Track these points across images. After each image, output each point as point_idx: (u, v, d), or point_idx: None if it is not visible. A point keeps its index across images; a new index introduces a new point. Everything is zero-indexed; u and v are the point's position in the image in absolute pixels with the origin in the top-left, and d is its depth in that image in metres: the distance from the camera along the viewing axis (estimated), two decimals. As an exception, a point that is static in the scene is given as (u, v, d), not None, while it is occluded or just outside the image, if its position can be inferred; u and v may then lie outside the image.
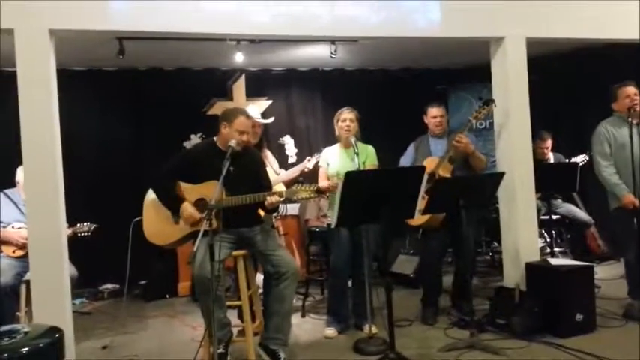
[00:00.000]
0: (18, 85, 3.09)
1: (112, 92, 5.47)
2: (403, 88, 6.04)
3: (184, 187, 3.12)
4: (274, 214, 3.70)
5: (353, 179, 2.77)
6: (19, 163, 3.80)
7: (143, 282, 5.10)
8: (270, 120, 4.77)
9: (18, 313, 3.63)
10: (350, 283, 3.80)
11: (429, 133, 3.98)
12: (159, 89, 5.51)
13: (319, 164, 3.86)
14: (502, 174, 3.52)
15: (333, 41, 4.32)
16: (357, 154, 3.48)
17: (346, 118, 3.72)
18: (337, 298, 3.78)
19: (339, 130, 3.75)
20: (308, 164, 3.96)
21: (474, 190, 3.39)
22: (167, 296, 5.09)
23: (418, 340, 3.47)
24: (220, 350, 2.96)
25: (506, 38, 3.96)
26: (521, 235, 3.90)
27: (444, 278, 4.04)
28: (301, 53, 5.25)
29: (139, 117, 5.59)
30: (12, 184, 3.98)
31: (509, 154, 3.97)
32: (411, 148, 4.00)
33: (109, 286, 5.23)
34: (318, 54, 5.16)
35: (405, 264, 5.01)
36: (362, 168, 3.51)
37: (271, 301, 3.11)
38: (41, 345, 2.12)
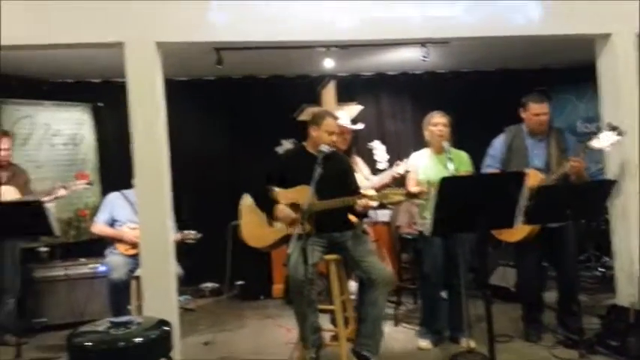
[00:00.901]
0: (128, 95, 3.36)
1: (209, 101, 5.79)
2: (499, 91, 5.78)
3: (278, 191, 3.23)
4: (365, 219, 3.70)
5: (448, 185, 2.71)
6: (131, 165, 4.15)
7: (240, 282, 5.31)
8: (360, 126, 4.78)
9: (129, 307, 3.94)
10: (444, 293, 3.70)
11: (524, 128, 3.63)
12: (252, 96, 5.74)
13: (408, 169, 3.78)
14: (613, 182, 3.25)
15: (423, 43, 4.25)
16: (451, 160, 3.37)
17: (438, 122, 3.60)
18: (431, 308, 3.68)
19: (430, 134, 3.64)
20: (398, 169, 3.90)
21: (582, 199, 3.12)
22: (262, 297, 5.27)
23: (521, 358, 3.31)
24: (312, 355, 3.01)
25: (614, 35, 3.66)
26: (637, 249, 3.57)
27: (548, 294, 3.81)
28: (391, 57, 5.22)
29: (233, 124, 5.85)
30: (130, 185, 4.33)
31: (620, 159, 3.66)
32: (500, 141, 3.68)
33: (210, 285, 5.51)
34: (407, 57, 5.10)
35: (505, 276, 4.75)
36: (455, 174, 3.40)
37: (363, 307, 3.12)
38: (152, 336, 2.28)
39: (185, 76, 5.64)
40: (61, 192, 4.14)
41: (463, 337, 3.42)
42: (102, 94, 5.58)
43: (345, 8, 3.47)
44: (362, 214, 3.23)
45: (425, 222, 3.53)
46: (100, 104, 5.55)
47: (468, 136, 3.92)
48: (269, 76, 5.86)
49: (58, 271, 4.61)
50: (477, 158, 3.76)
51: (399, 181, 3.88)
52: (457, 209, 2.74)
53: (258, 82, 5.87)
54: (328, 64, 5.04)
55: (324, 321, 3.37)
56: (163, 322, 2.41)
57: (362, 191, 3.23)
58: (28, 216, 3.66)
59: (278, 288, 5.25)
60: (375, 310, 3.06)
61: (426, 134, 3.68)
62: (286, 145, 5.69)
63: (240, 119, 5.82)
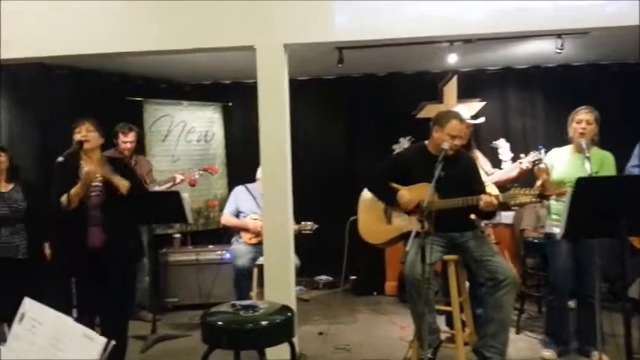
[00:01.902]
0: (258, 95, 3.56)
1: (329, 99, 5.93)
2: (644, 85, 5.20)
3: (396, 188, 3.21)
4: (487, 221, 3.54)
5: (585, 186, 2.49)
6: (254, 160, 4.39)
7: (353, 277, 5.38)
8: (481, 120, 4.58)
9: (251, 293, 4.19)
10: (572, 302, 3.43)
11: None
12: (371, 94, 5.78)
13: (541, 165, 3.52)
14: None
15: (559, 35, 3.95)
16: (589, 159, 3.10)
17: (582, 119, 3.32)
18: (557, 317, 3.44)
19: (573, 131, 3.38)
20: (525, 162, 3.64)
21: None
22: (374, 293, 5.29)
23: (660, 378, 2.97)
24: (429, 355, 2.96)
25: None
26: None
27: None
28: (520, 50, 4.92)
29: (352, 121, 5.94)
30: (253, 179, 4.61)
31: None
32: None
33: (324, 277, 5.66)
34: (539, 50, 4.77)
35: (643, 288, 4.28)
36: (593, 175, 3.12)
37: (489, 309, 2.98)
38: (277, 321, 2.38)
39: (305, 75, 5.83)
40: (180, 178, 4.59)
41: (595, 350, 3.14)
42: (231, 94, 5.99)
43: (472, 1, 3.33)
44: (487, 215, 3.09)
45: (555, 224, 3.29)
46: (230, 104, 5.94)
47: (609, 135, 3.57)
48: (388, 74, 5.84)
49: (189, 255, 5.03)
50: (618, 159, 3.42)
51: (524, 181, 3.66)
52: (594, 212, 2.51)
53: (377, 79, 5.88)
54: (451, 59, 4.89)
55: (439, 322, 3.29)
56: (287, 308, 2.51)
57: (487, 191, 3.09)
58: (166, 204, 4.07)
59: (391, 285, 5.23)
60: (502, 313, 2.92)
61: (569, 131, 3.41)
62: (404, 143, 5.64)
63: (359, 117, 5.88)
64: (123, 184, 3.09)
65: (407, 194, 3.07)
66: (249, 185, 4.62)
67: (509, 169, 3.82)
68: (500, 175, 3.83)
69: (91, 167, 3.04)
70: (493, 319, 2.95)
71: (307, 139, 5.68)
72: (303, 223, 4.32)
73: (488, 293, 2.99)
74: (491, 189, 3.51)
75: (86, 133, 3.08)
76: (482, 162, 3.92)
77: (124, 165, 3.38)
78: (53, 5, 3.55)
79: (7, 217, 3.56)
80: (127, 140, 4.50)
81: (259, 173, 4.50)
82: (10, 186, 3.64)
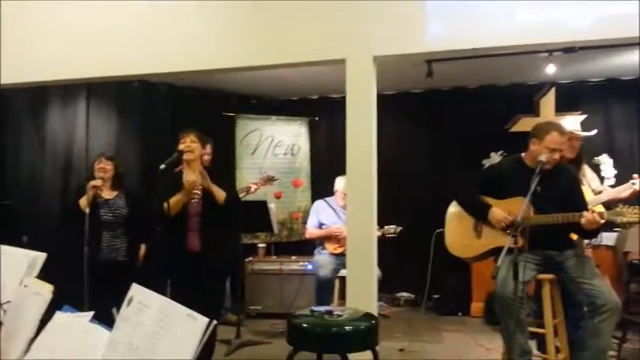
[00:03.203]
0: (347, 106, 3.58)
1: (416, 113, 5.87)
2: None
3: (489, 201, 3.08)
4: (591, 240, 3.30)
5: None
6: (337, 173, 4.43)
7: (437, 296, 5.22)
8: (593, 132, 4.29)
9: (332, 304, 4.19)
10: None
11: None
12: (461, 108, 5.64)
13: None
14: None
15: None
16: None
17: None
18: (667, 349, 3.13)
19: None
20: (639, 183, 3.36)
21: None
22: (459, 314, 5.10)
23: None
24: (520, 378, 2.78)
25: None
26: None
27: None
28: (626, 60, 4.59)
29: (440, 135, 5.82)
30: (331, 192, 4.66)
31: None
32: None
33: (405, 294, 5.55)
34: (648, 59, 4.43)
35: None
36: None
37: (585, 335, 2.77)
38: (362, 327, 2.38)
39: (392, 90, 5.81)
40: (254, 187, 4.70)
41: None
42: (318, 109, 6.11)
43: (575, 7, 3.14)
44: (590, 233, 2.87)
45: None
46: (316, 118, 6.06)
47: None
48: (479, 86, 5.69)
49: (273, 265, 5.14)
50: None
51: (632, 201, 3.37)
52: None
53: (467, 92, 5.75)
54: (550, 70, 4.65)
55: (531, 346, 3.09)
56: (370, 316, 2.49)
57: (590, 207, 2.88)
58: (254, 213, 4.21)
59: (477, 306, 5.01)
60: (600, 341, 2.70)
61: None
62: (495, 157, 5.43)
63: (447, 130, 5.76)
64: (220, 194, 3.23)
65: (500, 212, 2.94)
66: (328, 199, 4.68)
67: (622, 190, 3.51)
68: (609, 194, 3.52)
69: (192, 176, 3.20)
70: (589, 347, 2.73)
71: (392, 152, 5.65)
72: (386, 227, 4.30)
73: (586, 318, 2.77)
74: (597, 207, 3.26)
75: (190, 144, 3.25)
76: (590, 178, 3.66)
77: (216, 175, 3.51)
78: (151, 25, 3.80)
79: (111, 222, 3.84)
80: (205, 152, 4.72)
81: (337, 185, 4.54)
82: (115, 193, 3.92)
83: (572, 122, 3.78)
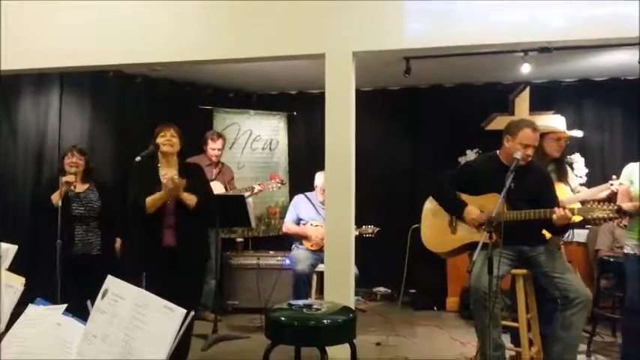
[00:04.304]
0: (326, 102, 3.58)
1: (394, 110, 5.90)
2: None
3: (463, 197, 3.13)
4: (562, 237, 3.37)
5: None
6: (315, 169, 4.43)
7: (413, 291, 5.28)
8: (580, 134, 4.36)
9: (309, 299, 4.19)
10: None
11: None
12: (438, 105, 5.70)
13: (620, 182, 3.34)
14: None
15: (645, 44, 3.72)
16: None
17: None
18: (634, 343, 3.22)
19: None
20: (616, 184, 3.42)
21: None
22: (435, 308, 5.16)
23: None
24: (493, 372, 2.84)
25: None
26: None
27: None
28: (599, 61, 4.70)
29: (417, 132, 5.87)
30: (311, 187, 4.66)
31: None
32: None
33: (382, 289, 5.60)
34: (620, 61, 4.54)
35: None
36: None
37: (557, 328, 2.83)
38: (339, 320, 2.40)
39: (371, 86, 5.83)
40: (257, 188, 4.71)
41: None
42: (296, 104, 6.09)
43: (551, 7, 3.20)
44: (560, 230, 2.94)
45: (636, 243, 3.10)
46: (294, 113, 6.04)
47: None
48: (456, 85, 5.75)
49: (251, 260, 5.10)
50: None
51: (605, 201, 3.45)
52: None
53: (444, 90, 5.80)
54: (525, 69, 4.72)
55: (504, 340, 3.15)
56: (348, 309, 2.51)
57: (567, 205, 2.94)
58: (232, 208, 4.18)
59: (453, 301, 5.09)
60: (571, 333, 2.77)
61: None
62: (470, 155, 5.51)
63: (424, 128, 5.82)
64: (191, 200, 3.17)
65: (474, 211, 2.99)
66: (308, 193, 4.70)
67: (598, 190, 3.57)
68: (587, 194, 3.56)
69: (170, 173, 3.15)
70: (560, 339, 2.81)
71: (370, 148, 5.65)
72: (364, 226, 4.33)
73: (558, 311, 2.84)
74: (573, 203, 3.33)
75: (170, 138, 3.21)
76: (570, 178, 3.73)
77: (200, 173, 3.45)
78: (129, 16, 3.73)
79: (83, 215, 3.76)
80: (215, 147, 4.69)
81: (317, 180, 4.55)
82: (86, 186, 3.85)
83: (559, 122, 3.84)
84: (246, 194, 4.61)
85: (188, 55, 3.73)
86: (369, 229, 4.38)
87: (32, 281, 1.86)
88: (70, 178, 3.63)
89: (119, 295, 1.13)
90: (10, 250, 2.12)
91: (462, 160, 5.47)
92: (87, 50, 3.75)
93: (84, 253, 3.73)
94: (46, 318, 1.52)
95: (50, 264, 3.47)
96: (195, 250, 3.28)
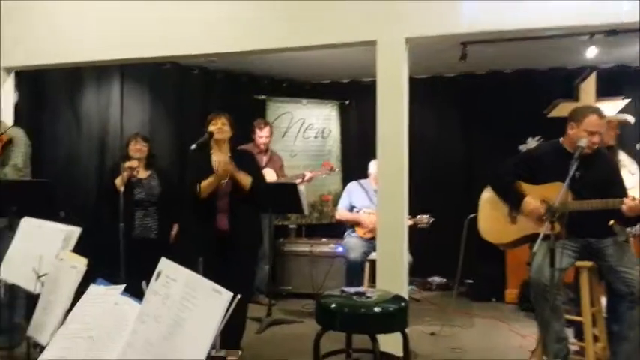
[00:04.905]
0: (377, 89, 3.52)
1: (450, 97, 5.74)
2: None
3: (524, 187, 2.99)
4: (631, 228, 3.17)
5: None
6: (368, 157, 4.39)
7: (470, 281, 5.14)
8: (631, 119, 4.11)
9: (362, 287, 4.17)
10: None
11: None
12: (496, 92, 5.49)
13: None
14: None
15: None
16: None
17: None
18: None
19: None
20: None
21: None
22: (493, 300, 5.00)
23: None
24: (555, 365, 2.72)
25: None
26: None
27: None
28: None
29: (474, 120, 5.68)
30: (365, 175, 4.63)
31: None
32: None
33: (437, 278, 5.48)
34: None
35: None
36: None
37: (622, 325, 2.68)
38: (390, 308, 2.37)
39: (425, 73, 5.69)
40: (308, 175, 4.76)
41: None
42: (349, 92, 6.05)
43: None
44: (630, 221, 2.76)
45: None
46: (347, 102, 6.00)
47: None
48: (516, 70, 5.51)
49: (304, 247, 5.16)
50: None
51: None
52: None
53: (504, 76, 5.59)
54: (590, 53, 4.45)
55: (568, 333, 3.02)
56: (400, 298, 2.47)
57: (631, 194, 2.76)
58: (284, 195, 4.21)
59: (512, 292, 4.91)
60: (636, 332, 2.60)
61: None
62: (532, 143, 5.26)
63: (482, 115, 5.61)
64: (246, 180, 3.24)
65: (533, 202, 2.85)
66: (362, 181, 4.68)
67: None
68: None
69: (221, 158, 3.23)
70: (627, 338, 2.66)
71: (424, 137, 5.56)
72: (419, 216, 4.25)
73: (625, 308, 2.68)
74: (635, 192, 3.13)
75: (221, 126, 3.28)
76: (628, 163, 3.52)
77: (251, 159, 3.53)
78: (182, 7, 3.80)
79: (144, 201, 3.92)
80: (262, 135, 4.75)
81: (371, 168, 4.52)
82: (148, 173, 4.00)
83: (609, 108, 3.61)
84: (297, 181, 4.64)
85: (241, 46, 3.78)
86: (424, 220, 4.31)
87: (96, 262, 1.96)
88: (132, 163, 3.79)
89: (171, 277, 1.16)
90: (74, 232, 2.23)
91: (523, 148, 5.24)
92: (145, 42, 3.88)
93: (142, 237, 3.88)
94: (106, 297, 1.59)
95: (113, 246, 3.66)
96: (248, 235, 3.35)
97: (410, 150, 3.57)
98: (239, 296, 0.99)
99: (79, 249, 2.08)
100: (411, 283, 5.43)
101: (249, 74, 5.78)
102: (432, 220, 4.30)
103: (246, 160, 3.36)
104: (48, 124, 4.74)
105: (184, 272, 1.13)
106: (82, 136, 4.91)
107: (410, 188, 3.54)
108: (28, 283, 2.21)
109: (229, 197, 3.26)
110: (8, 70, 4.24)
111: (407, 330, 2.47)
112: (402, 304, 2.41)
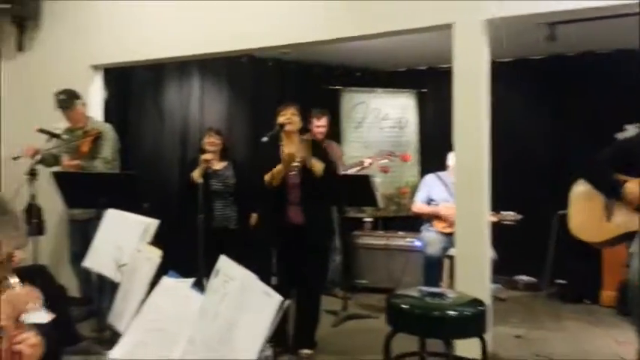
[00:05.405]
0: (453, 77, 3.33)
1: (537, 82, 5.36)
2: None
3: (623, 179, 2.69)
4: None
5: None
6: (448, 148, 4.19)
7: (561, 281, 4.79)
8: None
9: (440, 283, 4.02)
10: None
11: None
12: (589, 75, 5.04)
13: None
14: None
15: None
16: None
17: None
18: None
19: None
20: None
21: None
22: (586, 302, 4.62)
23: None
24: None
25: None
26: None
27: None
28: None
29: (563, 106, 5.26)
30: (444, 167, 4.44)
31: None
32: None
33: (525, 278, 5.16)
34: None
35: None
36: None
37: None
38: (467, 313, 2.22)
39: (508, 56, 5.34)
40: (367, 162, 4.69)
41: None
42: (426, 80, 5.84)
43: None
44: None
45: None
46: (424, 90, 5.79)
47: None
48: (612, 51, 5.02)
49: (379, 240, 5.06)
50: None
51: None
52: None
53: (597, 58, 5.12)
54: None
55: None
56: (478, 301, 2.31)
57: None
58: (358, 187, 4.13)
59: (608, 295, 4.49)
60: None
61: None
62: (630, 131, 4.79)
63: (574, 102, 5.19)
64: (318, 167, 3.22)
65: (636, 187, 2.55)
66: (440, 173, 4.50)
67: None
68: None
69: (291, 149, 3.22)
70: None
71: (509, 126, 5.22)
72: (503, 212, 4.00)
73: None
74: None
75: (290, 117, 3.28)
76: None
77: (321, 148, 3.52)
78: (256, 2, 3.82)
79: (221, 191, 4.05)
80: (319, 124, 4.71)
81: (450, 160, 4.30)
82: (223, 164, 4.12)
83: None
84: (356, 169, 4.54)
85: (315, 36, 3.74)
86: (510, 216, 4.04)
87: (176, 253, 2.00)
88: (207, 156, 3.93)
89: (229, 276, 1.13)
90: (152, 224, 2.31)
91: (620, 136, 4.77)
92: (223, 37, 3.95)
93: (222, 227, 4.00)
94: (177, 290, 1.61)
95: (193, 236, 3.79)
96: (320, 227, 3.34)
97: (493, 140, 3.36)
98: (288, 302, 0.94)
99: (161, 240, 2.15)
100: (495, 281, 5.15)
101: (322, 64, 5.74)
102: (519, 217, 4.02)
103: (317, 152, 3.34)
104: (134, 119, 5.00)
105: (241, 272, 1.11)
106: (165, 130, 5.14)
107: (493, 182, 3.33)
108: (111, 273, 2.32)
109: (300, 189, 3.26)
110: (97, 68, 4.50)
111: (487, 334, 2.30)
112: (480, 308, 2.25)
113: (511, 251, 4.42)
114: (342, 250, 4.51)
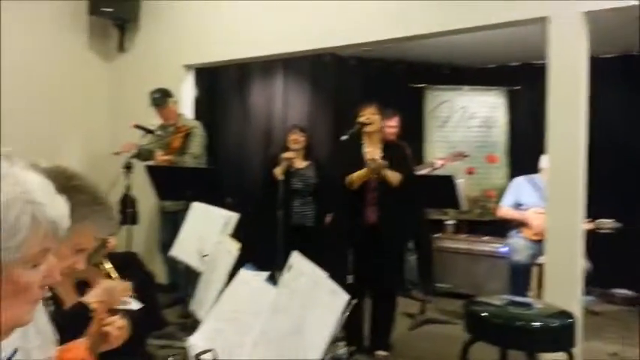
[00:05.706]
0: (548, 74, 3.12)
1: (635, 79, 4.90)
2: None
3: None
4: None
5: None
6: (541, 150, 3.94)
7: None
8: None
9: (528, 293, 3.79)
10: None
11: None
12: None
13: None
14: None
15: None
16: None
17: None
18: None
19: None
20: None
21: None
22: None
23: None
24: None
25: None
26: None
27: None
28: None
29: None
30: (535, 169, 4.17)
31: None
32: None
33: (622, 291, 4.76)
34: None
35: None
36: None
37: None
38: (553, 325, 2.09)
39: (611, 52, 4.94)
40: (439, 163, 4.50)
41: None
42: (519, 77, 5.54)
43: None
44: None
45: None
46: (517, 88, 5.50)
47: None
48: None
49: (462, 244, 4.88)
50: None
51: None
52: None
53: None
54: None
55: None
56: (566, 314, 2.15)
57: None
58: (439, 188, 4.00)
59: None
60: None
61: None
62: None
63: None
64: (395, 178, 3.18)
65: None
66: (533, 176, 4.22)
67: None
68: None
69: (374, 153, 3.19)
70: None
71: (611, 126, 4.84)
72: (600, 220, 3.69)
73: None
74: None
75: (369, 116, 3.26)
76: None
77: (399, 149, 3.44)
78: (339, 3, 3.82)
79: (301, 190, 4.10)
80: (390, 125, 4.63)
81: (543, 162, 4.03)
82: (306, 163, 4.15)
83: None
84: (427, 170, 4.38)
85: (391, 33, 3.67)
86: (608, 224, 3.72)
87: (255, 247, 2.05)
88: (289, 154, 3.98)
89: (300, 272, 1.13)
90: (233, 218, 2.38)
91: None
92: (307, 36, 3.99)
93: (300, 224, 4.05)
94: (252, 283, 1.65)
95: (272, 232, 3.87)
96: (397, 229, 3.29)
97: (591, 142, 3.12)
98: (355, 301, 0.92)
99: (243, 233, 2.22)
100: (588, 293, 4.79)
101: (405, 62, 5.63)
102: (618, 225, 3.70)
103: (396, 152, 3.29)
104: (221, 117, 5.20)
105: (311, 269, 1.10)
106: (250, 127, 5.30)
107: (590, 187, 3.10)
108: (194, 262, 2.43)
109: (378, 191, 3.23)
110: (189, 67, 4.73)
111: (576, 349, 2.14)
112: (569, 320, 2.09)
113: (608, 262, 4.10)
114: (416, 251, 4.40)
